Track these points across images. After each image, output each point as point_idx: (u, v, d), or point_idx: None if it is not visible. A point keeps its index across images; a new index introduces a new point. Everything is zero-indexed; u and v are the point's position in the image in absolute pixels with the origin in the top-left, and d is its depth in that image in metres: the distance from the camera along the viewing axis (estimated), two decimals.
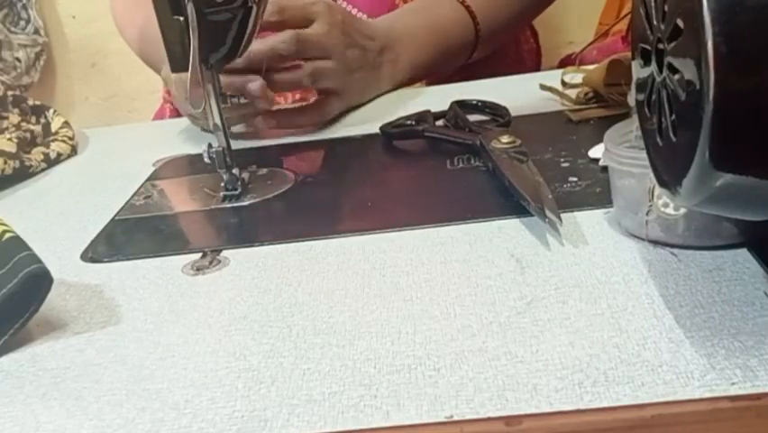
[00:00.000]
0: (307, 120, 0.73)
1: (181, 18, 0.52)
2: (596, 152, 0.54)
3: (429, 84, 0.86)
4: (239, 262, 0.47)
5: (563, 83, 0.70)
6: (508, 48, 0.99)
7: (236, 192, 0.58)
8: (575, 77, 0.70)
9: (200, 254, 0.49)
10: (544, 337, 0.35)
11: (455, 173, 0.57)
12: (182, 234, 0.54)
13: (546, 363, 0.34)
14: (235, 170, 0.58)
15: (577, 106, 0.67)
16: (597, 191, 0.49)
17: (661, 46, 0.33)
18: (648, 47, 0.35)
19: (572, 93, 0.69)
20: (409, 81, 0.83)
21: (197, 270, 0.47)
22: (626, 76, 0.64)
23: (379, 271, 0.44)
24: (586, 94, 0.67)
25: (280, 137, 0.72)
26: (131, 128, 0.85)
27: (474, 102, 0.71)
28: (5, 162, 0.68)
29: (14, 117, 0.75)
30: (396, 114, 0.69)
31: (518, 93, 0.73)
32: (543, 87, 0.72)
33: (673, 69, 0.32)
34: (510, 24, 0.93)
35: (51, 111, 0.79)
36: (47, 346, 0.41)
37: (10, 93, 0.77)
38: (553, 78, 0.73)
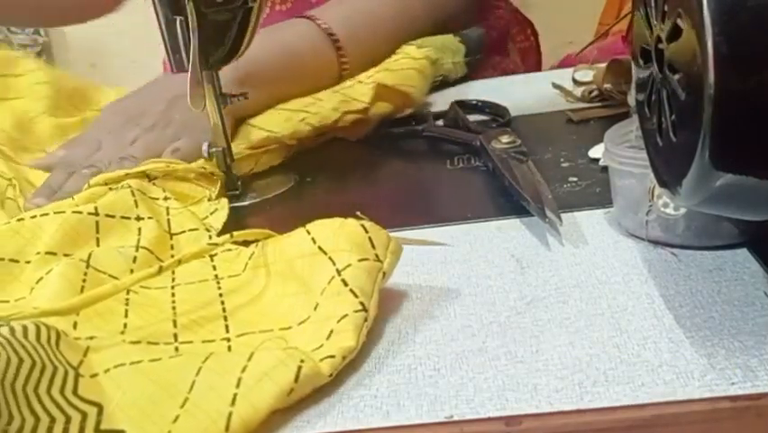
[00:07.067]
0: None
1: (181, 18, 0.52)
2: (596, 152, 0.54)
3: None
4: None
5: (575, 81, 0.70)
6: (508, 47, 0.99)
7: (236, 192, 0.58)
8: (587, 74, 0.70)
9: None
10: (544, 337, 0.35)
11: (455, 173, 0.57)
12: None
13: (546, 363, 0.34)
14: (235, 170, 0.58)
15: (580, 105, 0.67)
16: (597, 191, 0.49)
17: (661, 46, 0.33)
18: (648, 47, 0.35)
19: (577, 92, 0.69)
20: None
21: None
22: (625, 76, 0.64)
23: None
24: (590, 92, 0.67)
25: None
26: None
27: (474, 102, 0.71)
28: None
29: None
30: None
31: (518, 93, 0.73)
32: (555, 86, 0.72)
33: (673, 69, 0.32)
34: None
35: None
36: None
37: None
38: (552, 77, 0.73)
